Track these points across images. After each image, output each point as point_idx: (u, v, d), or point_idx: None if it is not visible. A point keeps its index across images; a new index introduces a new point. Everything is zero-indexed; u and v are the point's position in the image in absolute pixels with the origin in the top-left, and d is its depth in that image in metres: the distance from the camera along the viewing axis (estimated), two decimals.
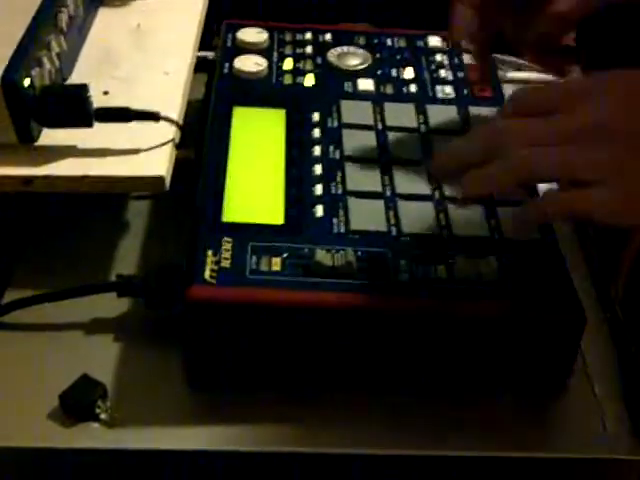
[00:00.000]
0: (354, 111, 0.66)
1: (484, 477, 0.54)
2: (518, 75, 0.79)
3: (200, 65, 0.76)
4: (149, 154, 0.61)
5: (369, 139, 0.63)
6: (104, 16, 0.75)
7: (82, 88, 0.60)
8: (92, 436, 0.53)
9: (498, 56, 0.80)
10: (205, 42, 0.76)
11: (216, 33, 0.80)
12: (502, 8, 0.59)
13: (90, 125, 0.60)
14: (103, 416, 0.53)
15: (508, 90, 0.70)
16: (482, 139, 0.50)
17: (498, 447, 0.54)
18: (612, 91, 0.48)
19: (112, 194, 0.67)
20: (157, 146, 0.61)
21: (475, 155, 0.50)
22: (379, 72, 0.71)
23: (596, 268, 0.65)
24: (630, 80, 0.48)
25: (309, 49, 0.73)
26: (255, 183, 0.60)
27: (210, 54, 0.78)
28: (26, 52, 0.59)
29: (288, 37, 0.74)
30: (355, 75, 0.70)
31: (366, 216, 0.57)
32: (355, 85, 0.69)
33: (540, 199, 0.50)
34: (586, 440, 0.54)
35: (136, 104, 0.62)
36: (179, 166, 0.63)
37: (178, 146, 0.63)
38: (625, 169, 0.46)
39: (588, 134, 0.47)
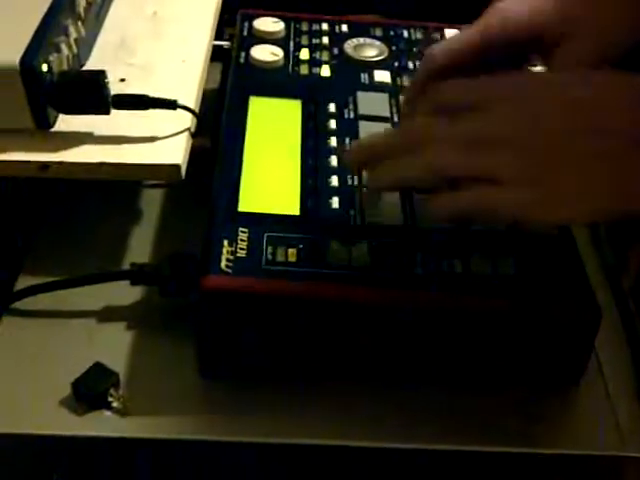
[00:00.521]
0: (370, 103, 0.66)
1: (496, 473, 0.54)
2: None
3: (215, 54, 0.76)
4: (165, 142, 0.60)
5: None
6: (121, 3, 0.74)
7: (100, 74, 0.59)
8: (104, 424, 0.53)
9: None
10: (218, 32, 0.76)
11: (227, 23, 0.80)
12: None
13: (107, 112, 0.60)
14: (115, 404, 0.53)
15: None
16: (398, 135, 0.53)
17: (510, 443, 0.53)
18: (525, 97, 0.49)
19: (127, 182, 0.67)
20: (173, 134, 0.61)
21: (389, 149, 0.52)
22: (395, 64, 0.71)
23: (609, 264, 0.65)
24: (542, 84, 0.50)
25: (325, 40, 0.73)
26: (271, 173, 0.60)
27: (225, 43, 0.78)
28: (44, 37, 0.59)
29: (304, 27, 0.74)
30: (371, 67, 0.70)
31: (382, 209, 0.57)
32: (371, 77, 0.69)
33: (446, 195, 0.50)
34: (599, 437, 0.54)
35: (152, 92, 0.62)
36: (194, 155, 0.63)
37: (195, 134, 0.63)
38: (530, 174, 0.47)
39: (496, 137, 0.48)
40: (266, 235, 0.54)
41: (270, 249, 0.54)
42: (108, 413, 0.53)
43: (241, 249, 0.53)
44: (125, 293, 0.59)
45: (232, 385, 0.55)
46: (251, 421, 0.54)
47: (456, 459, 0.54)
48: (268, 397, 0.55)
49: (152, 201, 0.69)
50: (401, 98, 0.66)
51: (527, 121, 0.48)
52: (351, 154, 0.57)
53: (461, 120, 0.49)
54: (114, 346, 0.57)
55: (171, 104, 0.61)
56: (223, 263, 0.52)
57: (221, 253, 0.53)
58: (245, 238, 0.54)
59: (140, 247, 0.64)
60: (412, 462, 0.54)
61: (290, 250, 0.54)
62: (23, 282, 0.60)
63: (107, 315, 0.59)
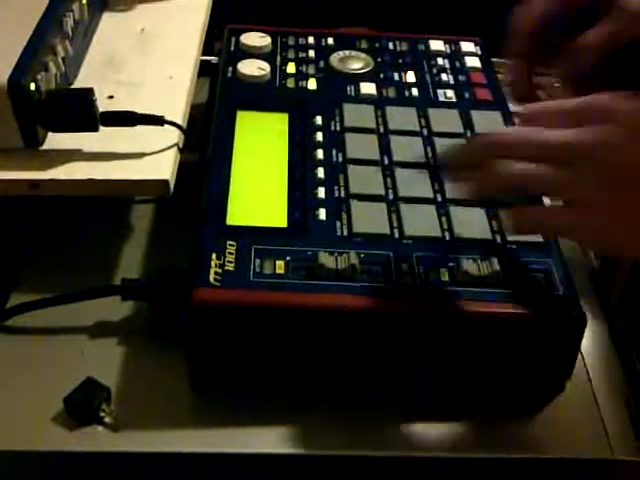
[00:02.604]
0: (356, 115, 0.66)
1: (483, 478, 0.55)
2: None
3: (204, 69, 0.77)
4: (153, 158, 0.61)
5: (371, 142, 0.64)
6: (108, 20, 0.75)
7: (87, 92, 0.60)
8: (96, 439, 0.53)
9: (499, 60, 0.80)
10: (207, 47, 0.77)
11: (216, 38, 0.81)
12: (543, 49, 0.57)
13: (96, 129, 0.60)
14: (107, 419, 0.54)
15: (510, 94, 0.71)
16: (481, 151, 0.50)
17: (497, 449, 0.54)
18: (614, 118, 0.46)
19: (117, 198, 0.68)
20: (161, 150, 0.61)
21: (478, 158, 0.50)
22: (381, 76, 0.71)
23: (596, 269, 0.66)
24: (631, 106, 0.47)
25: (312, 53, 0.74)
26: (258, 186, 0.60)
27: (213, 58, 0.79)
28: (32, 56, 0.60)
29: (291, 41, 0.75)
30: (357, 79, 0.71)
31: (369, 219, 0.58)
32: (357, 89, 0.70)
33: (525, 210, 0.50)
34: (586, 441, 0.55)
35: (140, 108, 0.62)
36: (183, 170, 0.64)
37: (183, 150, 0.63)
38: (615, 201, 0.46)
39: (586, 154, 0.46)
40: (254, 248, 0.55)
41: (258, 261, 0.54)
42: (100, 428, 0.53)
43: (229, 262, 0.54)
44: (116, 308, 0.60)
45: (224, 398, 0.55)
46: (243, 433, 0.54)
47: (444, 466, 0.54)
48: (260, 409, 0.55)
49: (142, 216, 0.70)
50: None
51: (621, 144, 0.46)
52: (483, 144, 0.52)
53: (560, 139, 0.47)
54: (105, 361, 0.57)
55: (158, 120, 0.61)
56: (212, 276, 0.53)
57: (209, 267, 0.53)
58: (233, 251, 0.55)
59: (131, 262, 0.65)
60: (404, 470, 0.54)
61: (278, 262, 0.54)
62: (15, 299, 0.60)
63: (98, 331, 0.59)
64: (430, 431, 0.55)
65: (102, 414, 0.54)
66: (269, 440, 0.54)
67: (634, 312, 0.63)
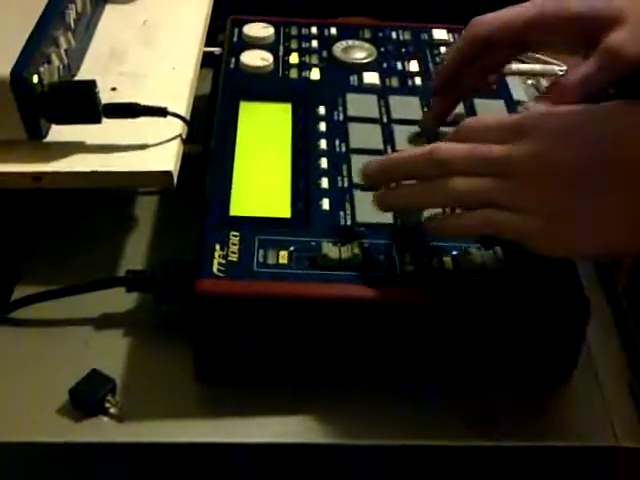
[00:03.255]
0: (359, 104, 0.66)
1: (488, 467, 0.55)
2: (521, 67, 0.79)
3: (207, 60, 0.77)
4: (157, 149, 0.61)
5: (375, 132, 0.64)
6: (111, 13, 0.75)
7: (90, 84, 0.60)
8: (102, 430, 0.53)
9: None
10: (210, 38, 0.77)
11: (219, 29, 0.81)
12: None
13: (98, 121, 0.60)
14: (113, 410, 0.54)
15: (511, 83, 0.71)
16: (417, 160, 0.52)
17: (504, 437, 0.54)
18: (546, 129, 0.49)
19: (121, 190, 0.68)
20: (165, 141, 0.61)
21: (408, 172, 0.53)
22: (384, 65, 0.71)
23: (601, 262, 0.65)
24: (562, 118, 0.50)
25: (315, 43, 0.73)
26: (262, 177, 0.60)
27: (217, 49, 0.79)
28: (35, 49, 0.60)
29: (294, 31, 0.75)
30: (360, 69, 0.71)
31: (372, 208, 0.57)
32: (360, 78, 0.69)
33: (465, 215, 0.51)
34: (591, 429, 0.55)
35: (143, 100, 0.62)
36: (188, 161, 0.64)
37: (186, 141, 0.63)
38: (555, 204, 0.48)
39: (521, 167, 0.49)
40: (257, 238, 0.55)
41: (261, 252, 0.54)
42: (105, 419, 0.54)
43: (232, 253, 0.54)
44: (121, 300, 0.60)
45: (229, 388, 0.55)
46: (249, 423, 0.54)
47: (449, 455, 0.54)
48: (265, 399, 0.55)
49: (147, 208, 0.70)
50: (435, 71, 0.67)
51: (549, 154, 0.48)
52: (370, 173, 0.55)
53: (493, 154, 0.50)
54: (111, 353, 0.57)
55: (161, 112, 0.61)
56: (215, 267, 0.53)
57: (213, 257, 0.53)
58: (237, 242, 0.55)
59: (135, 254, 0.65)
60: (409, 459, 0.55)
61: (281, 252, 0.54)
62: (19, 292, 0.60)
63: (103, 322, 0.59)
64: (435, 420, 0.55)
65: (107, 405, 0.54)
66: (274, 430, 0.54)
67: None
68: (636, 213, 0.47)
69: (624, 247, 0.49)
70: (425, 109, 0.66)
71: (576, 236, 0.48)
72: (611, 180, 0.47)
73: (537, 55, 0.82)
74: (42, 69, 0.60)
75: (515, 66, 0.80)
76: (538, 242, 0.49)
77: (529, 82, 0.80)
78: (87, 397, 0.54)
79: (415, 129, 0.64)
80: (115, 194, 0.69)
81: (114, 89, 0.66)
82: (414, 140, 0.63)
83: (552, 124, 0.50)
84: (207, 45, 0.76)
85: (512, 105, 0.67)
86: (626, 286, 0.69)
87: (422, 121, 0.64)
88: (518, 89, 0.70)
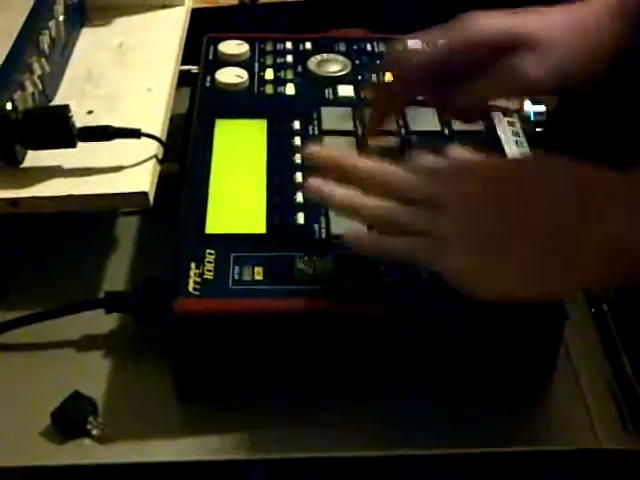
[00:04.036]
0: (334, 117, 0.67)
1: (472, 474, 0.55)
2: None
3: (185, 79, 0.77)
4: (132, 170, 0.61)
5: (349, 144, 0.64)
6: (87, 36, 0.76)
7: (64, 109, 0.60)
8: (84, 452, 0.54)
9: None
10: (193, 56, 0.77)
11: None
12: (423, 81, 0.61)
13: (73, 145, 0.61)
14: (95, 432, 0.54)
15: None
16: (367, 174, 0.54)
17: (484, 444, 0.54)
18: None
19: (99, 211, 0.68)
20: (140, 162, 0.62)
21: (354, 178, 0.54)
22: (359, 78, 0.72)
23: None
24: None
25: (289, 58, 0.74)
26: (238, 194, 0.61)
27: (194, 68, 0.79)
28: (7, 76, 0.61)
29: (269, 47, 0.75)
30: (335, 82, 0.71)
31: (346, 220, 0.58)
32: (335, 91, 0.70)
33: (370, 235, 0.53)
34: (573, 432, 0.55)
35: (120, 122, 0.63)
36: (168, 180, 0.64)
37: (167, 160, 0.64)
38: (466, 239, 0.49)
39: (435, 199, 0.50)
40: (233, 255, 0.55)
41: (237, 269, 0.54)
42: (88, 441, 0.54)
43: (208, 271, 0.54)
44: (101, 321, 0.60)
45: (211, 406, 0.56)
46: (231, 440, 0.54)
47: (431, 462, 0.54)
48: (247, 415, 0.55)
49: (128, 228, 0.70)
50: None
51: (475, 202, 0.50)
52: (316, 155, 0.56)
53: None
54: (92, 374, 0.58)
55: (135, 133, 0.62)
56: (191, 286, 0.53)
57: (189, 276, 0.54)
58: (212, 260, 0.55)
59: (117, 274, 0.66)
60: (391, 469, 0.55)
61: (256, 269, 0.54)
62: (1, 317, 0.61)
63: (84, 344, 0.60)
64: (418, 429, 0.55)
65: (89, 427, 0.54)
66: (257, 446, 0.54)
67: (621, 301, 0.63)
68: (532, 258, 0.48)
69: (525, 293, 0.49)
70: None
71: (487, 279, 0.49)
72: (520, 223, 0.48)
73: None
74: (16, 96, 0.61)
75: None
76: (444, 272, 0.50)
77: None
78: (69, 419, 0.54)
79: (389, 140, 0.65)
80: (95, 215, 0.69)
81: (90, 112, 0.67)
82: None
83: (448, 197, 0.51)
84: (191, 63, 0.77)
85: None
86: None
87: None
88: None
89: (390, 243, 0.52)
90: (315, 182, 0.54)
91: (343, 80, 0.71)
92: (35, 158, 0.62)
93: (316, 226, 0.58)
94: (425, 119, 0.67)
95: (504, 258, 0.48)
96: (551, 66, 0.57)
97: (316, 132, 0.66)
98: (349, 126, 0.66)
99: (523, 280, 0.48)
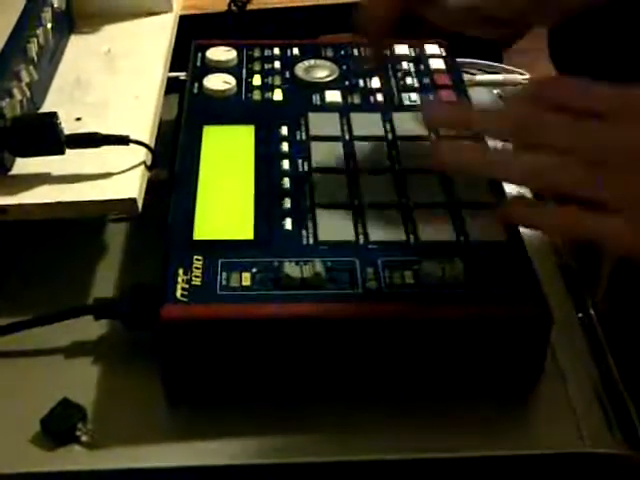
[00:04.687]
0: (321, 123, 0.67)
1: (457, 478, 0.55)
2: (487, 78, 0.80)
3: (174, 85, 0.77)
4: (120, 177, 0.62)
5: (336, 150, 0.64)
6: (75, 43, 0.76)
7: (52, 116, 0.61)
8: (74, 459, 0.54)
9: (466, 60, 0.81)
10: (182, 63, 0.77)
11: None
12: None
13: (62, 152, 0.61)
14: (84, 438, 0.54)
15: (477, 94, 0.71)
16: (511, 121, 0.46)
17: (468, 448, 0.54)
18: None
19: (88, 218, 0.68)
20: (128, 169, 0.62)
21: (493, 132, 0.47)
22: (346, 83, 0.72)
23: (568, 264, 0.66)
24: None
25: (277, 64, 0.74)
26: (225, 200, 0.61)
27: (182, 74, 0.79)
28: None
29: (256, 53, 0.75)
30: (323, 87, 0.71)
31: (334, 226, 0.58)
32: (323, 97, 0.70)
33: (544, 210, 0.46)
34: (559, 436, 0.55)
35: (108, 129, 0.63)
36: (157, 186, 0.64)
37: (155, 167, 0.64)
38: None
39: (625, 157, 0.43)
40: (220, 261, 0.55)
41: (225, 275, 0.55)
42: (77, 447, 0.54)
43: (196, 277, 0.54)
44: (90, 328, 0.60)
45: (201, 411, 0.56)
46: (222, 446, 0.54)
47: (421, 467, 0.54)
48: (235, 420, 0.55)
49: (117, 234, 0.70)
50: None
51: None
52: (438, 114, 0.50)
53: (587, 131, 0.44)
54: (81, 381, 0.58)
55: (123, 140, 0.62)
56: (179, 292, 0.53)
57: (176, 282, 0.54)
58: (200, 266, 0.55)
59: (106, 281, 0.65)
60: (380, 474, 0.55)
61: (244, 274, 0.55)
62: None
63: (73, 351, 0.60)
64: (406, 434, 0.55)
65: (78, 433, 0.54)
66: (247, 451, 0.54)
67: (607, 305, 0.63)
68: None
69: None
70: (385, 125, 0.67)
71: None
72: None
73: (502, 65, 0.83)
74: (3, 104, 0.61)
75: (479, 77, 0.81)
76: (618, 243, 0.44)
77: (495, 92, 0.81)
78: (58, 426, 0.54)
79: (376, 145, 0.65)
80: (84, 222, 0.69)
81: (79, 119, 0.67)
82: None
83: None
84: (179, 70, 0.77)
85: None
86: (606, 290, 0.70)
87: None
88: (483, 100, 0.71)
89: (557, 220, 0.45)
90: (447, 146, 0.47)
91: (330, 86, 0.71)
92: (23, 165, 0.62)
93: (304, 232, 0.58)
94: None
95: None
96: None
97: (304, 138, 0.66)
98: (337, 132, 0.66)
99: None
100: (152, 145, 0.65)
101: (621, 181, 0.43)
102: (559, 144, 0.44)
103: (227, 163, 0.64)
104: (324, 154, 0.64)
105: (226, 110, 0.69)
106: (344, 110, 0.69)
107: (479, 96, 0.72)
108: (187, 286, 0.54)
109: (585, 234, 0.45)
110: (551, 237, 0.51)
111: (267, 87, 0.72)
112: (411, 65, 0.74)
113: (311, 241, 0.57)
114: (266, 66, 0.74)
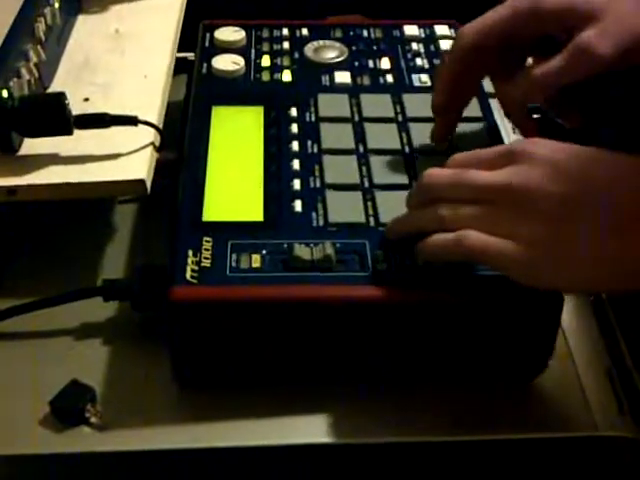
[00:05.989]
0: (331, 104, 0.67)
1: (466, 461, 0.55)
2: None
3: (182, 66, 0.77)
4: (129, 158, 0.61)
5: (346, 131, 0.64)
6: (83, 23, 0.76)
7: (60, 96, 0.60)
8: (83, 440, 0.54)
9: None
10: (190, 43, 0.77)
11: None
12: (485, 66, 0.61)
13: (70, 133, 0.61)
14: (93, 420, 0.54)
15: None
16: (415, 196, 0.54)
17: (480, 430, 0.54)
18: (534, 159, 0.50)
19: (97, 199, 0.68)
20: (137, 150, 0.62)
21: (411, 204, 0.55)
22: (356, 64, 0.71)
23: None
24: (557, 149, 0.50)
25: (286, 45, 0.74)
26: (235, 181, 0.61)
27: (190, 55, 0.79)
28: (3, 64, 0.60)
29: (265, 34, 0.75)
30: (332, 68, 0.71)
31: (344, 208, 0.58)
32: (332, 78, 0.70)
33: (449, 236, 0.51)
34: (570, 418, 0.55)
35: (116, 109, 0.63)
36: (165, 167, 0.64)
37: (164, 148, 0.64)
38: (539, 234, 0.48)
39: (507, 194, 0.49)
40: (230, 243, 0.55)
41: (234, 256, 0.54)
42: (87, 429, 0.54)
43: (205, 258, 0.54)
44: (99, 309, 0.60)
45: (210, 393, 0.56)
46: (231, 427, 0.54)
47: (432, 450, 0.54)
48: (247, 402, 0.55)
49: (126, 216, 0.70)
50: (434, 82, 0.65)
51: (537, 183, 0.48)
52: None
53: (478, 178, 0.51)
54: (90, 362, 0.58)
55: (132, 120, 0.62)
56: (188, 274, 0.53)
57: (186, 264, 0.54)
58: (209, 247, 0.55)
59: (114, 262, 0.65)
60: (388, 456, 0.55)
61: (254, 256, 0.54)
62: None
63: (82, 332, 0.60)
64: (413, 416, 0.55)
65: (88, 415, 0.54)
66: (256, 433, 0.54)
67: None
68: (622, 256, 0.47)
69: (604, 286, 0.50)
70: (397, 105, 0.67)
71: (554, 270, 0.48)
72: (596, 221, 0.47)
73: None
74: (12, 83, 0.61)
75: None
76: (516, 271, 0.49)
77: None
78: (67, 408, 0.54)
79: (385, 126, 0.64)
80: (93, 203, 0.69)
81: (87, 100, 0.66)
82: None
83: (545, 154, 0.50)
84: (187, 50, 0.77)
85: (484, 99, 0.67)
86: None
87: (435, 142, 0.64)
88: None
89: (449, 242, 0.51)
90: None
91: (340, 67, 0.71)
92: (31, 146, 0.62)
93: (313, 213, 0.58)
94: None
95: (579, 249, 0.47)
96: (621, 41, 0.55)
97: (313, 119, 0.65)
98: (346, 113, 0.66)
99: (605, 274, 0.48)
100: (160, 126, 0.64)
101: (509, 215, 0.49)
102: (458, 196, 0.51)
103: (236, 144, 0.64)
104: (334, 135, 0.64)
105: (235, 91, 0.69)
106: (353, 91, 0.68)
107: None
108: (197, 267, 0.53)
109: (480, 258, 0.50)
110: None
111: (276, 68, 0.71)
112: (421, 46, 0.73)
113: (321, 223, 0.57)
114: (275, 47, 0.73)
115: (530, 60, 0.62)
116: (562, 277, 0.49)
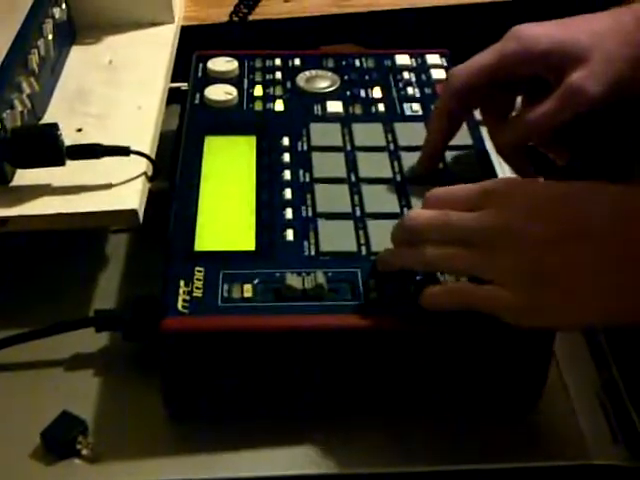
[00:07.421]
0: (323, 133, 0.67)
1: None
2: None
3: (176, 96, 0.77)
4: (121, 188, 0.62)
5: (338, 160, 0.64)
6: (76, 53, 0.76)
7: (52, 127, 0.61)
8: (74, 472, 0.53)
9: None
10: (183, 73, 0.77)
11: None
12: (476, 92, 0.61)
13: (62, 163, 0.61)
14: (85, 452, 0.54)
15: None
16: (399, 235, 0.54)
17: (473, 459, 0.54)
18: (514, 200, 0.50)
19: (89, 229, 0.68)
20: (129, 180, 0.62)
21: (395, 242, 0.55)
22: (348, 93, 0.72)
23: None
24: (533, 189, 0.51)
25: (278, 75, 0.74)
26: (227, 211, 0.61)
27: (184, 85, 0.79)
28: None
29: (258, 64, 0.75)
30: (324, 98, 0.71)
31: (336, 237, 0.58)
32: (324, 108, 0.70)
33: (442, 289, 0.53)
34: (563, 446, 0.55)
35: (109, 140, 0.63)
36: (158, 197, 0.64)
37: (156, 178, 0.64)
38: (525, 275, 0.48)
39: (490, 237, 0.49)
40: (222, 272, 0.55)
41: (226, 286, 0.54)
42: (78, 461, 0.54)
43: (197, 288, 0.54)
44: (91, 340, 0.60)
45: (202, 425, 0.55)
46: (223, 459, 0.54)
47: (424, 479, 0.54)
48: (238, 434, 0.55)
49: (118, 245, 0.70)
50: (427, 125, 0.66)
51: (517, 224, 0.49)
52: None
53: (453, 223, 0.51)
54: (81, 394, 0.57)
55: (124, 151, 0.62)
56: (180, 304, 0.53)
57: (177, 294, 0.53)
58: (201, 277, 0.55)
59: (107, 292, 0.65)
60: None
61: (246, 286, 0.54)
62: None
63: (73, 363, 0.59)
64: (406, 445, 0.55)
65: (79, 447, 0.54)
66: (249, 464, 0.54)
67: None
68: (608, 289, 0.47)
69: (600, 320, 0.50)
70: (389, 135, 0.67)
71: (545, 309, 0.48)
72: (580, 257, 0.47)
73: None
74: (5, 115, 0.61)
75: None
76: (507, 314, 0.49)
77: None
78: (58, 439, 0.54)
79: (377, 155, 0.65)
80: (85, 232, 0.69)
81: (80, 130, 0.67)
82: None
83: (522, 194, 0.50)
84: (182, 80, 0.77)
85: (474, 127, 0.67)
86: None
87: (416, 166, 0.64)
88: None
89: (442, 294, 0.52)
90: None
91: (332, 96, 0.71)
92: (24, 176, 0.62)
93: (305, 243, 0.58)
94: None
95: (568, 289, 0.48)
96: (609, 80, 0.56)
97: (305, 148, 0.66)
98: (338, 142, 0.66)
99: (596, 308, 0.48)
100: (153, 156, 0.65)
101: (493, 258, 0.49)
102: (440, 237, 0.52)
103: (228, 173, 0.64)
104: (326, 164, 0.64)
105: (227, 121, 0.69)
106: (346, 120, 0.68)
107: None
108: (188, 297, 0.53)
109: (473, 306, 0.50)
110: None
111: (268, 98, 0.71)
112: (412, 75, 0.74)
113: (313, 252, 0.57)
114: (267, 77, 0.74)
115: (519, 99, 0.64)
116: (555, 316, 0.48)
